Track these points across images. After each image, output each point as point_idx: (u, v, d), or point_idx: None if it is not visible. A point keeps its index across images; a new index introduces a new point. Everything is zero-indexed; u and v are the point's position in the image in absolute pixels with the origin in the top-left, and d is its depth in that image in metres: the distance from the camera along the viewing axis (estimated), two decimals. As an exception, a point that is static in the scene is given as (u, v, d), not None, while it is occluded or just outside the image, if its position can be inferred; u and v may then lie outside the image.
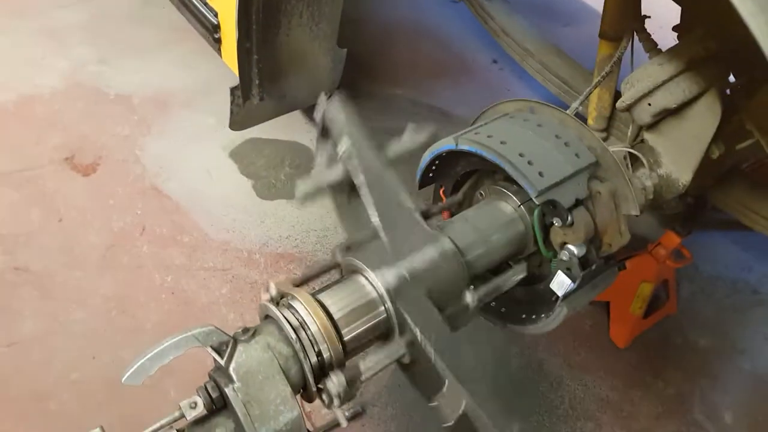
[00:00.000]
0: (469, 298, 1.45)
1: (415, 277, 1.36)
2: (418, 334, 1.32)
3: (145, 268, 2.52)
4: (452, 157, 1.69)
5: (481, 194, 1.76)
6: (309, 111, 3.17)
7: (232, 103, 2.19)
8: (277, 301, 1.36)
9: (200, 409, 1.21)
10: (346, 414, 2.16)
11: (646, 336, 2.60)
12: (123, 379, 1.18)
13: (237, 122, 2.31)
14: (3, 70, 3.21)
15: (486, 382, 1.40)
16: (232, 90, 2.14)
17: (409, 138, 1.52)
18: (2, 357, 2.20)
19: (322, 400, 1.32)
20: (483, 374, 1.39)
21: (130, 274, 2.50)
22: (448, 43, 4.01)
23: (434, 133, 1.57)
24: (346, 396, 1.29)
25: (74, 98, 3.14)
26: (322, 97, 1.46)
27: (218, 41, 2.15)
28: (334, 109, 1.44)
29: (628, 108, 1.67)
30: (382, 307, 1.38)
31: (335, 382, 1.27)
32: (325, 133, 1.47)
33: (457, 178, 1.80)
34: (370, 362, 1.33)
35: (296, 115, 3.12)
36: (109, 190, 2.77)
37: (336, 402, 1.28)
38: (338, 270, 1.50)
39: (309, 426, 2.15)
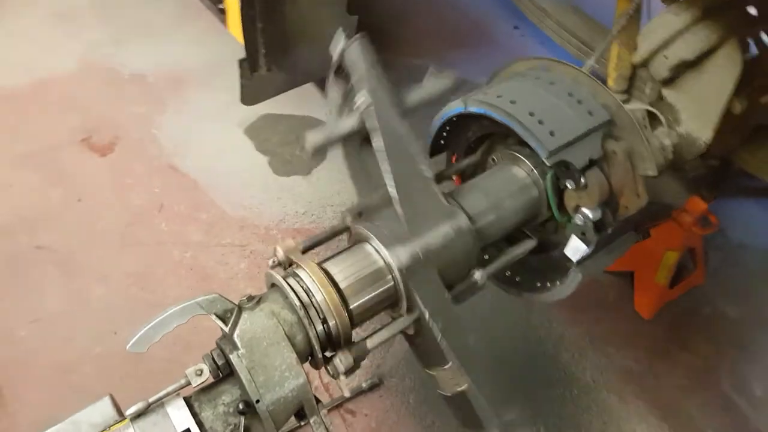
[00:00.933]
0: (478, 275, 1.42)
1: (428, 257, 1.32)
2: (427, 315, 1.29)
3: (164, 245, 2.54)
4: (463, 121, 1.64)
5: (493, 160, 1.71)
6: (322, 84, 3.13)
7: (241, 75, 2.17)
8: (284, 268, 1.35)
9: (206, 376, 1.21)
10: (364, 385, 2.19)
11: (672, 306, 2.53)
12: (128, 346, 1.18)
13: (248, 96, 2.29)
14: (18, 54, 3.25)
15: (487, 369, 1.37)
16: (240, 62, 2.12)
17: (429, 84, 1.45)
18: (27, 332, 2.25)
19: (328, 371, 1.30)
20: (485, 361, 1.36)
21: (149, 251, 2.52)
22: (467, 10, 3.92)
23: (456, 81, 1.47)
24: (351, 371, 1.27)
25: (89, 80, 3.16)
26: (341, 34, 1.38)
27: (223, 11, 2.13)
28: (354, 53, 1.36)
29: (645, 62, 1.60)
30: (389, 276, 1.35)
31: (343, 361, 1.26)
32: (339, 72, 1.40)
33: (470, 144, 1.75)
34: (375, 338, 1.31)
35: (310, 89, 3.08)
36: (127, 169, 2.79)
37: (342, 377, 1.27)
38: (348, 234, 1.47)
39: (326, 397, 2.17)
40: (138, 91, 3.12)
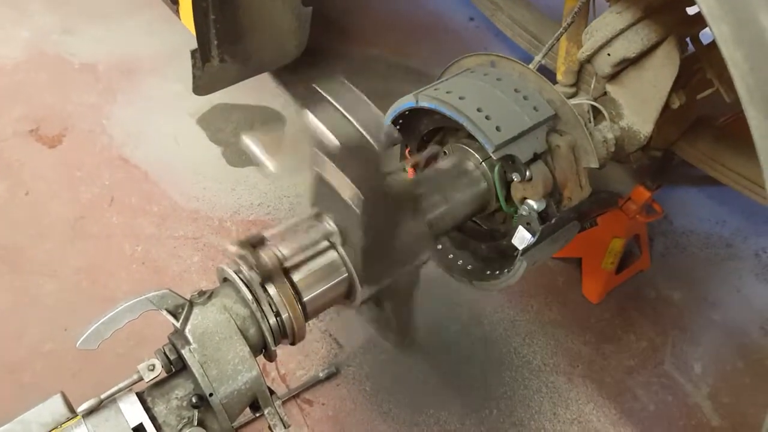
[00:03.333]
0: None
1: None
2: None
3: (114, 238, 2.50)
4: (415, 115, 1.67)
5: (445, 152, 1.74)
6: (277, 74, 3.12)
7: (193, 66, 2.14)
8: (237, 262, 1.35)
9: (159, 371, 1.21)
10: (321, 375, 2.21)
11: (618, 291, 2.63)
12: (78, 343, 1.18)
13: (201, 86, 2.26)
14: (-41, 42, 3.12)
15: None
16: (192, 52, 2.09)
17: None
18: (-27, 331, 2.19)
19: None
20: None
21: (100, 244, 2.48)
22: (423, 1, 3.94)
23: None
24: None
25: (37, 68, 3.06)
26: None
27: (175, 2, 2.10)
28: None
29: (589, 59, 1.66)
30: (344, 268, 1.37)
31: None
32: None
33: (422, 136, 1.79)
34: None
35: (265, 79, 3.07)
36: (76, 161, 2.73)
37: None
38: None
39: (283, 387, 2.19)
40: (88, 81, 3.04)
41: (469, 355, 2.36)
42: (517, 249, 1.55)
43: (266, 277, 1.27)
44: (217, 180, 2.75)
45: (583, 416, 2.27)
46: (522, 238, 1.50)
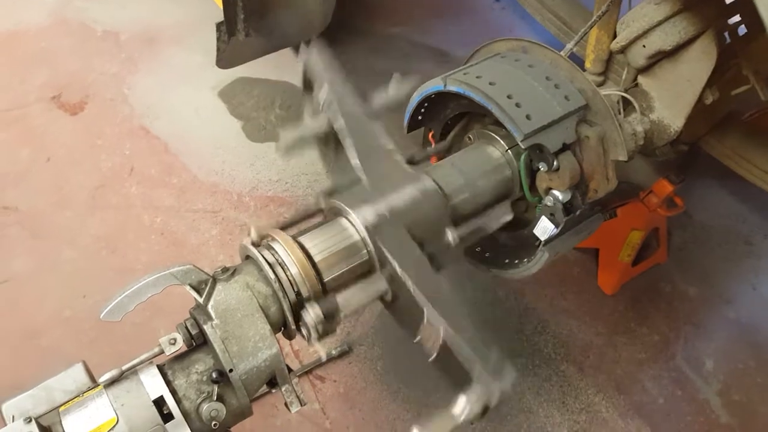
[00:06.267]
0: (450, 236, 1.44)
1: (395, 215, 1.34)
2: (397, 267, 1.30)
3: (134, 209, 2.52)
4: (441, 99, 1.65)
5: (469, 138, 1.73)
6: (299, 49, 3.09)
7: (218, 39, 2.13)
8: (258, 243, 1.36)
9: (180, 345, 1.23)
10: (334, 352, 2.23)
11: (634, 283, 2.61)
12: (101, 314, 1.19)
13: (224, 60, 2.25)
14: (-14, 5, 3.12)
15: (464, 313, 1.39)
16: (218, 25, 2.08)
17: (394, 89, 1.48)
18: (-6, 294, 2.23)
19: (303, 336, 1.33)
20: (461, 306, 1.38)
21: (119, 214, 2.50)
22: (448, -20, 3.88)
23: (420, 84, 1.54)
24: (325, 330, 1.29)
25: (60, 35, 3.06)
26: (303, 48, 1.42)
27: (203, -25, 2.07)
28: (312, 58, 1.41)
29: (623, 50, 1.62)
30: (365, 250, 1.37)
31: (311, 314, 1.27)
32: (308, 84, 1.43)
33: (447, 121, 1.77)
34: (347, 295, 1.32)
35: (287, 54, 3.03)
36: (97, 130, 2.73)
37: (314, 335, 1.29)
38: (322, 215, 1.49)
39: (296, 363, 2.21)
40: (110, 49, 3.03)
41: (480, 340, 2.37)
42: (537, 239, 1.54)
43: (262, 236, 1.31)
44: (236, 154, 2.75)
45: (592, 406, 2.28)
46: (544, 228, 1.49)
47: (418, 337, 1.36)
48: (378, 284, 1.36)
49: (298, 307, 1.30)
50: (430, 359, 1.35)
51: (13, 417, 1.12)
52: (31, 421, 1.10)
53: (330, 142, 1.47)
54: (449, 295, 1.35)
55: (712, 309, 2.64)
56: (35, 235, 2.39)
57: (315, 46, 1.38)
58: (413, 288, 1.29)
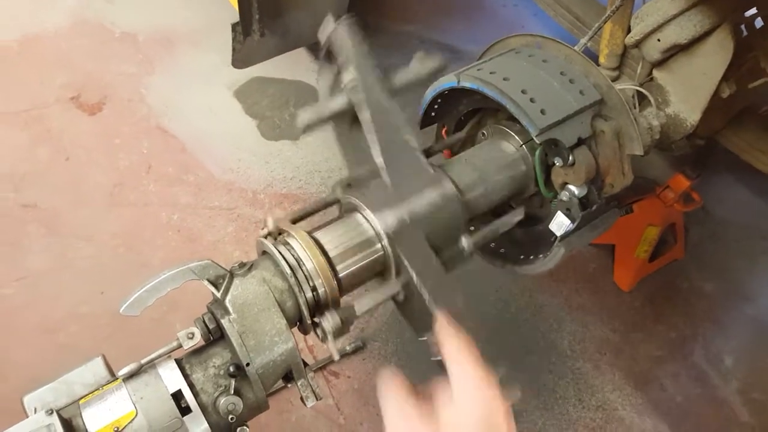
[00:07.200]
0: (465, 243, 1.44)
1: (415, 220, 1.35)
2: (415, 277, 1.32)
3: (151, 206, 2.54)
4: (455, 95, 1.65)
5: (483, 134, 1.72)
6: (314, 49, 3.11)
7: (233, 39, 2.15)
8: (274, 237, 1.37)
9: (197, 340, 1.24)
10: (348, 348, 2.24)
11: (651, 280, 2.60)
12: (121, 309, 1.20)
13: (240, 60, 2.27)
14: (6, 8, 3.16)
15: (478, 327, 1.41)
16: (233, 26, 2.10)
17: (416, 66, 1.46)
18: (14, 290, 2.26)
19: (317, 335, 1.34)
20: (475, 319, 1.39)
21: (136, 211, 2.53)
22: (460, -22, 3.88)
23: (443, 63, 1.49)
24: (340, 333, 1.30)
25: (79, 36, 3.10)
26: (329, 19, 1.39)
27: (218, -26, 2.09)
28: (341, 35, 1.37)
29: (638, 44, 1.61)
30: (379, 245, 1.38)
31: (330, 320, 1.29)
32: (328, 56, 1.41)
33: (460, 117, 1.77)
34: (364, 301, 1.33)
35: (301, 54, 3.06)
36: (115, 129, 2.77)
37: (330, 338, 1.30)
38: (338, 206, 1.50)
39: (311, 359, 2.22)
40: (128, 50, 3.07)
41: (497, 338, 2.37)
42: (553, 234, 1.53)
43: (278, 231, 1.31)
44: (251, 152, 2.77)
45: (609, 404, 2.27)
46: (560, 223, 1.48)
47: (425, 338, 1.38)
48: (392, 288, 1.37)
49: (314, 302, 1.31)
50: (434, 359, 1.37)
51: (35, 409, 1.14)
52: (52, 413, 1.11)
53: (346, 119, 1.44)
54: (463, 309, 1.36)
55: (730, 306, 2.62)
56: (53, 232, 2.43)
57: (346, 22, 1.34)
58: (429, 300, 1.30)
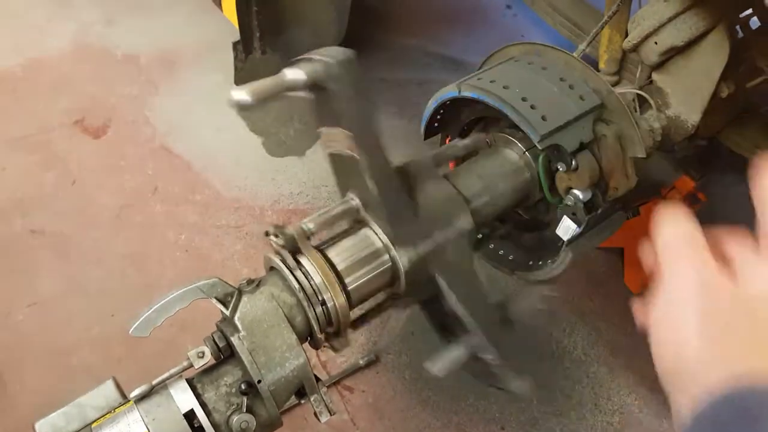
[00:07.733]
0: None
1: (429, 258, 1.35)
2: (454, 299, 1.34)
3: (158, 227, 2.56)
4: (457, 105, 1.66)
5: (487, 143, 1.73)
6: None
7: (235, 58, 2.17)
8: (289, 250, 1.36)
9: (208, 358, 1.24)
10: (361, 362, 2.23)
11: (660, 282, 2.58)
12: (130, 330, 1.20)
13: (242, 78, 2.29)
14: (9, 34, 3.21)
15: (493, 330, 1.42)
16: (235, 45, 2.12)
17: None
18: (24, 317, 2.27)
19: (331, 348, 1.34)
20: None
21: (144, 232, 2.54)
22: (460, -11, 3.91)
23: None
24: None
25: (82, 60, 3.14)
26: (319, 53, 1.22)
27: (217, -6, 2.12)
28: (334, 72, 1.19)
29: (635, 48, 1.62)
30: (386, 257, 1.38)
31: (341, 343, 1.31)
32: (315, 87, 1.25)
33: (463, 126, 1.78)
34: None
35: (303, 70, 3.08)
36: (120, 152, 2.79)
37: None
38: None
39: (324, 374, 2.21)
40: (130, 72, 3.10)
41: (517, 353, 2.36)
42: (560, 239, 1.54)
43: (293, 245, 1.29)
44: (257, 169, 2.79)
45: (625, 407, 2.25)
46: (567, 228, 1.48)
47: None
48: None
49: (324, 316, 1.31)
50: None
51: (48, 434, 1.14)
52: (65, 437, 1.12)
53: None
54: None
55: (742, 306, 2.60)
56: (62, 256, 2.44)
57: (340, 55, 1.16)
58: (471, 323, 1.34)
